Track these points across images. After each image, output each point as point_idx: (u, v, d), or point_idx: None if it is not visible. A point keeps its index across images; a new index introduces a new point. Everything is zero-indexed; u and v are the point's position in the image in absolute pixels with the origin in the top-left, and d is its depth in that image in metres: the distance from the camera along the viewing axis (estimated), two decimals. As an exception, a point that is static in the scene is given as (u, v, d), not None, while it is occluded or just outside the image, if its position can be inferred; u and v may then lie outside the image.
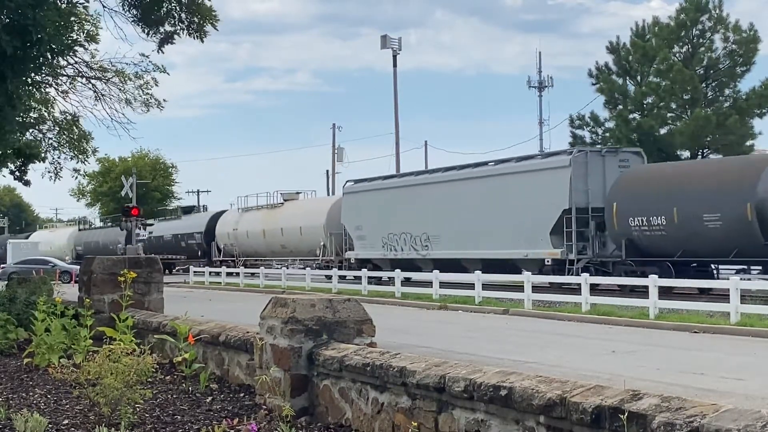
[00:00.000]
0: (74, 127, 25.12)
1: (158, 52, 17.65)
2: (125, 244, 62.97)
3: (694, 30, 47.31)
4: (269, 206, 49.69)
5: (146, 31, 17.07)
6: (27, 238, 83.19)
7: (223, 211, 56.68)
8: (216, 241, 53.65)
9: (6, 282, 22.60)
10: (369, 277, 31.95)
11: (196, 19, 16.81)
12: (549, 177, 29.41)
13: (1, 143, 18.44)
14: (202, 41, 17.14)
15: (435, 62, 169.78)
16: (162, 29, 16.96)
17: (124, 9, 17.48)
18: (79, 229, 78.45)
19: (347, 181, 42.37)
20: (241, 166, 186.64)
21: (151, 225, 63.53)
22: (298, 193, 51.03)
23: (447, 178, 35.01)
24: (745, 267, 25.22)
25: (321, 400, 7.42)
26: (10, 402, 8.65)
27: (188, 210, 65.18)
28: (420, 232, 35.36)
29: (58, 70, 21.29)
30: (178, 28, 16.91)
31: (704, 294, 24.82)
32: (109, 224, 73.12)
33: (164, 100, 24.10)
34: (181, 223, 61.07)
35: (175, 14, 16.85)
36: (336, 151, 69.04)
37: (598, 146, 31.38)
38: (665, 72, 46.34)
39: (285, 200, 48.84)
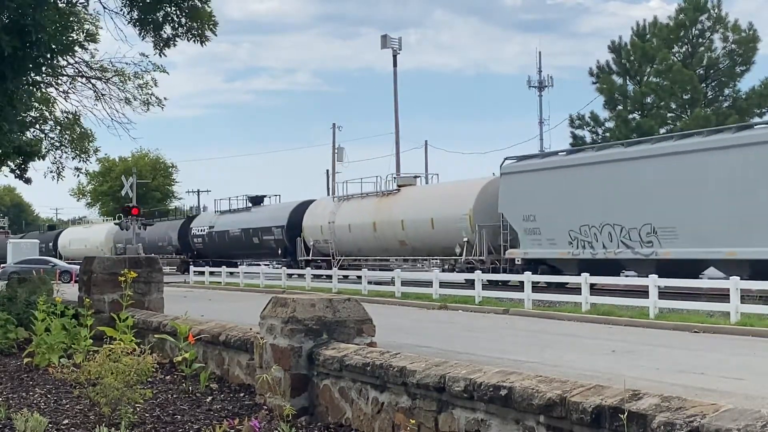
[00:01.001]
0: (76, 126, 25.12)
1: (160, 55, 17.63)
2: (178, 240, 57.97)
3: (693, 30, 47.37)
4: (380, 193, 40.19)
5: (145, 33, 17.04)
6: (58, 236, 77.58)
7: (310, 201, 46.98)
8: (303, 236, 44.30)
9: (6, 282, 22.59)
10: (544, 284, 24.15)
11: (196, 24, 16.78)
12: None
13: (2, 143, 18.43)
14: (202, 45, 17.14)
15: (435, 62, 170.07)
16: (161, 33, 16.94)
17: (123, 11, 17.46)
18: (123, 227, 74.55)
19: (506, 159, 32.53)
20: (241, 166, 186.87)
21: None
22: (416, 176, 42.74)
23: (688, 148, 25.62)
24: None
25: (321, 399, 7.42)
26: (10, 402, 8.64)
27: (257, 200, 53.71)
28: (638, 222, 26.39)
29: (58, 70, 21.29)
30: (179, 32, 16.89)
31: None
32: (156, 218, 65.92)
33: (164, 99, 24.07)
34: (251, 215, 51.00)
35: (175, 18, 16.83)
36: (336, 150, 69.02)
37: None
38: (665, 72, 46.39)
39: (400, 186, 39.81)
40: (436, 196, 37.01)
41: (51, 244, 76.79)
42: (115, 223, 60.64)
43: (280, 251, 47.13)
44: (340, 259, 41.12)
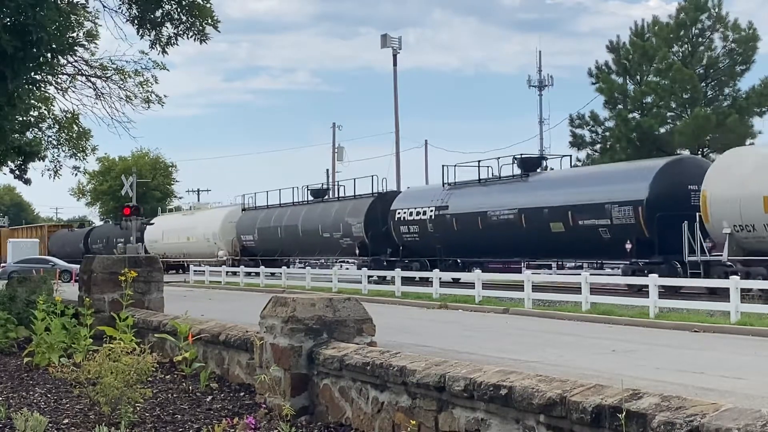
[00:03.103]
0: (74, 125, 25.06)
1: (162, 54, 17.58)
2: (365, 230, 38.48)
3: (693, 29, 47.33)
4: None
5: (145, 31, 17.01)
6: (147, 225, 59.37)
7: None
8: (709, 216, 24.84)
9: (6, 281, 22.59)
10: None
11: (198, 22, 16.74)
12: None
13: (2, 142, 18.42)
14: (202, 42, 17.10)
15: (434, 62, 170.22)
16: (160, 31, 16.90)
17: (122, 9, 17.44)
18: (244, 209, 51.17)
19: None
20: (240, 166, 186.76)
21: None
22: None
23: None
24: None
25: (321, 399, 7.42)
26: (10, 401, 8.65)
27: (533, 163, 34.46)
28: None
29: (58, 69, 21.25)
30: (179, 30, 16.85)
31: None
32: (306, 199, 45.88)
33: (165, 96, 23.99)
34: (531, 188, 31.95)
35: (175, 16, 16.79)
36: (336, 150, 68.99)
37: None
38: (665, 71, 46.36)
39: None
40: None
41: (132, 238, 66.24)
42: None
43: (629, 245, 26.95)
44: None
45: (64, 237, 72.45)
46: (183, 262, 54.63)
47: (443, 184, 36.49)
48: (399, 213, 37.31)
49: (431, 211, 35.48)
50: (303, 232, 43.04)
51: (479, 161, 35.56)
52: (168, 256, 53.70)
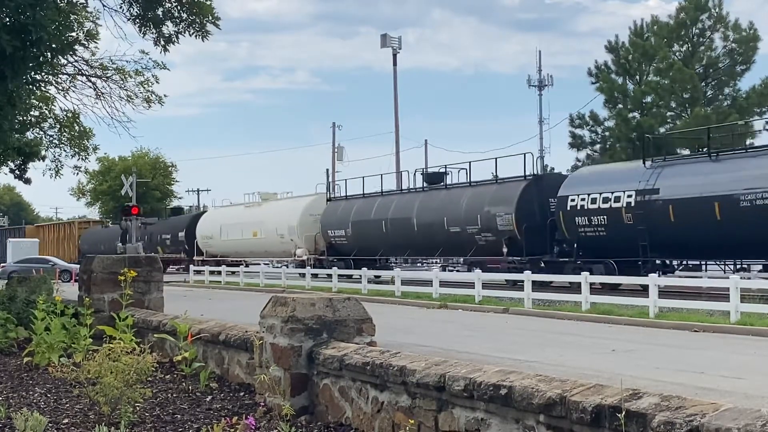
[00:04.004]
0: (75, 125, 25.07)
1: (163, 52, 17.58)
2: (515, 222, 29.78)
3: (693, 29, 47.40)
4: None
5: (146, 29, 17.02)
6: (195, 221, 53.60)
7: None
8: None
9: (6, 281, 22.59)
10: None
11: (198, 20, 16.76)
12: None
13: (1, 142, 18.44)
14: (203, 40, 17.12)
15: (433, 61, 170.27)
16: (162, 29, 16.91)
17: (122, 8, 17.45)
18: (329, 199, 42.12)
19: None
20: (240, 165, 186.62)
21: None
22: None
23: None
24: None
25: (321, 399, 7.42)
26: (10, 401, 8.64)
27: None
28: None
29: (58, 69, 21.25)
30: (180, 28, 16.87)
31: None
32: (422, 186, 36.84)
33: (165, 96, 24.01)
34: None
35: (175, 13, 16.81)
36: (336, 150, 68.99)
37: None
38: (665, 71, 46.43)
39: None
40: None
41: (182, 234, 53.81)
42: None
43: None
44: None
45: (98, 235, 67.77)
46: (242, 261, 45.81)
47: (644, 160, 27.78)
48: (573, 200, 28.46)
49: (629, 196, 26.68)
50: (419, 227, 34.19)
51: (708, 128, 26.97)
52: (228, 254, 47.02)
